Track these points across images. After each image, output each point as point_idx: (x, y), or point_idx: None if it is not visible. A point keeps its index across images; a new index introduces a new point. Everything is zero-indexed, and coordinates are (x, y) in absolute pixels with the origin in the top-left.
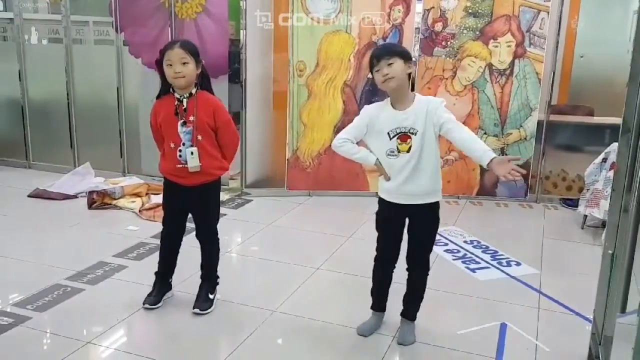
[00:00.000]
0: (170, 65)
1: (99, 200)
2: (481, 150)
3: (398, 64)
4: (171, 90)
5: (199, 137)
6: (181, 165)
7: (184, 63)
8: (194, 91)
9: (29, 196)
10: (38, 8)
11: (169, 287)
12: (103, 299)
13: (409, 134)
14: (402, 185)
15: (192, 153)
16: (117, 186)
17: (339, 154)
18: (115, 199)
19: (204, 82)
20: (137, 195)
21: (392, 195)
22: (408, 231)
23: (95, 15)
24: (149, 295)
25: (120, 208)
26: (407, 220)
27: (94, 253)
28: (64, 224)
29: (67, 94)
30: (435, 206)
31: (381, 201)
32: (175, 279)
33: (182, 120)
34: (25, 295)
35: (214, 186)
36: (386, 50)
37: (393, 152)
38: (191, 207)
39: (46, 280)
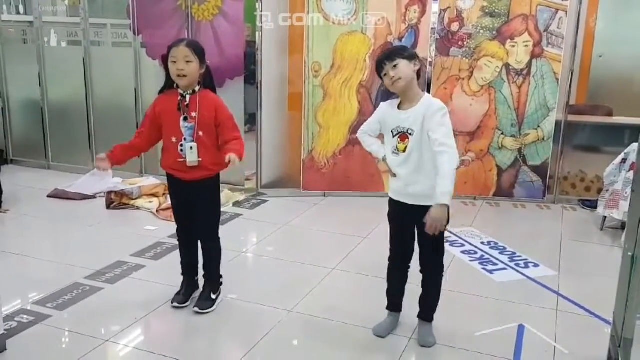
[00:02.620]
0: (174, 62)
1: (117, 201)
2: (438, 190)
3: (403, 64)
4: (175, 86)
5: (200, 133)
6: (182, 160)
7: (188, 62)
8: (197, 89)
9: (48, 196)
10: (57, 11)
11: (195, 286)
12: (121, 298)
13: (407, 134)
14: (406, 186)
15: (191, 148)
16: (134, 186)
17: (354, 154)
18: (133, 199)
19: (206, 81)
20: (155, 195)
21: (398, 195)
22: (417, 234)
23: (114, 18)
24: (177, 294)
25: (138, 208)
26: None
27: (113, 252)
28: (83, 224)
29: (86, 96)
30: None
31: (390, 201)
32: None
33: (184, 116)
34: (46, 293)
35: (212, 182)
36: (388, 54)
37: (395, 150)
38: (192, 203)
39: (66, 279)
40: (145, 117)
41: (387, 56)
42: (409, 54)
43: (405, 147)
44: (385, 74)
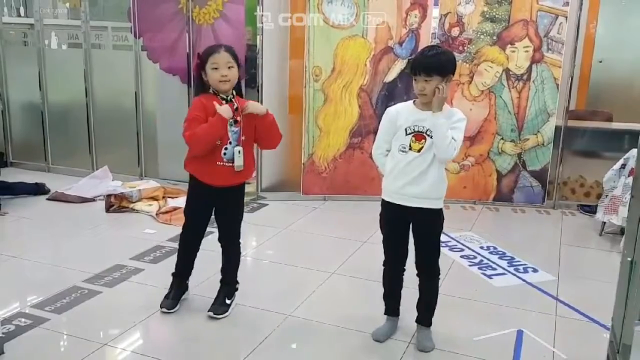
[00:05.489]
0: (217, 68)
1: (116, 204)
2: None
3: (435, 82)
4: (211, 91)
5: (243, 138)
6: (222, 164)
7: (230, 67)
8: (233, 93)
9: (47, 199)
10: (58, 14)
11: (185, 288)
12: (120, 302)
13: (425, 134)
14: (405, 187)
15: (239, 152)
16: (134, 189)
17: (354, 158)
18: (132, 202)
19: (237, 86)
20: (154, 198)
21: (394, 196)
22: (413, 237)
23: (114, 21)
24: (165, 297)
25: (138, 211)
26: (410, 223)
27: (111, 256)
28: (82, 227)
29: (86, 98)
30: (436, 212)
31: (383, 203)
32: (192, 282)
33: (232, 120)
34: (44, 297)
35: (242, 188)
36: (427, 67)
37: (404, 148)
38: (219, 209)
39: (64, 283)
40: (196, 118)
41: (425, 68)
42: (447, 70)
43: (421, 148)
44: (416, 80)
